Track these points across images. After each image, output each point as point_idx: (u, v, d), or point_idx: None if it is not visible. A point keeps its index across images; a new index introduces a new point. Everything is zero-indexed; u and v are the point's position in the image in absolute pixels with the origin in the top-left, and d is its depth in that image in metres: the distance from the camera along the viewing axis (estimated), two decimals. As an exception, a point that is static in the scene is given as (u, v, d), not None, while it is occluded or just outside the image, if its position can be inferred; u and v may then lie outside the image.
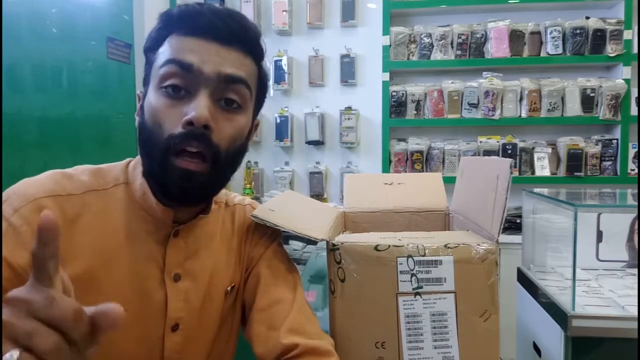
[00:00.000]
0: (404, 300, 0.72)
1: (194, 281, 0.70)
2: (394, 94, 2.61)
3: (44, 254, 0.38)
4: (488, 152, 2.56)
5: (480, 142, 2.59)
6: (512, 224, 2.23)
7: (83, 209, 0.64)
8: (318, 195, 2.76)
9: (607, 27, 2.45)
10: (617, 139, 2.50)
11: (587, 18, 2.48)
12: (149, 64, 0.66)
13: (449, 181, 1.02)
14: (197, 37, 0.62)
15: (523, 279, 1.28)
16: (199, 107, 0.60)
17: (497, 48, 2.53)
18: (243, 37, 0.65)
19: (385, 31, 2.60)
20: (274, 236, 0.80)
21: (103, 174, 0.69)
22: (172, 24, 0.64)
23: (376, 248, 0.72)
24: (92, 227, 0.63)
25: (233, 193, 0.84)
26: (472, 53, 2.57)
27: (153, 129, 0.62)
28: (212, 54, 0.62)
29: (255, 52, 0.67)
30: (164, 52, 0.63)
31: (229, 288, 0.74)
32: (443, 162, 2.62)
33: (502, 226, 0.70)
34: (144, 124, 0.63)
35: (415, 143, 2.63)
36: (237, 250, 0.77)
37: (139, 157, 0.68)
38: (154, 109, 0.62)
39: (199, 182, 0.62)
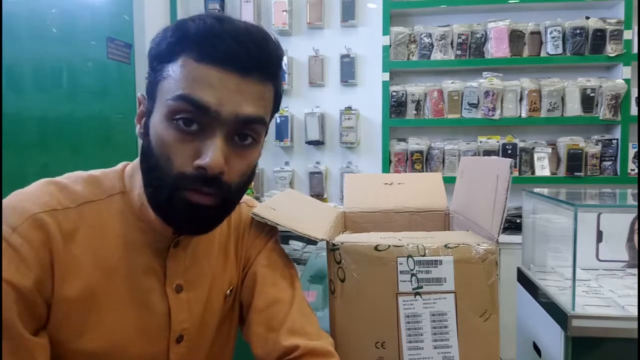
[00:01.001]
0: (404, 300, 0.72)
1: (195, 290, 0.69)
2: (394, 94, 2.61)
3: None
4: (488, 152, 2.56)
5: (480, 142, 2.59)
6: (512, 224, 2.23)
7: (79, 222, 0.61)
8: (318, 195, 2.76)
9: (607, 27, 2.45)
10: (617, 139, 2.50)
11: (587, 18, 2.48)
12: (154, 73, 0.60)
13: (449, 181, 1.01)
14: (214, 66, 0.56)
15: (523, 279, 1.28)
16: (215, 154, 0.56)
17: (497, 48, 2.53)
18: (264, 64, 0.59)
19: (385, 31, 2.60)
20: (270, 234, 0.79)
21: (98, 182, 0.65)
22: (187, 42, 0.57)
23: (376, 248, 0.72)
24: (90, 242, 0.61)
25: None
26: (472, 53, 2.57)
27: (161, 160, 0.57)
28: (231, 90, 0.56)
29: (275, 75, 0.63)
30: (176, 79, 0.56)
31: (228, 291, 0.74)
32: (443, 162, 2.62)
33: (502, 226, 0.70)
34: (150, 148, 0.59)
35: (415, 143, 2.63)
36: (234, 251, 0.76)
37: (135, 162, 0.66)
38: (163, 140, 0.57)
39: (207, 215, 0.60)
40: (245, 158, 0.61)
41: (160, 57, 0.59)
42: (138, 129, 0.63)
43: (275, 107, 0.67)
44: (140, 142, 0.63)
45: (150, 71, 0.61)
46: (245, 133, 0.60)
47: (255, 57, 0.58)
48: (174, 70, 0.57)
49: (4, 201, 0.59)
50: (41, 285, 0.57)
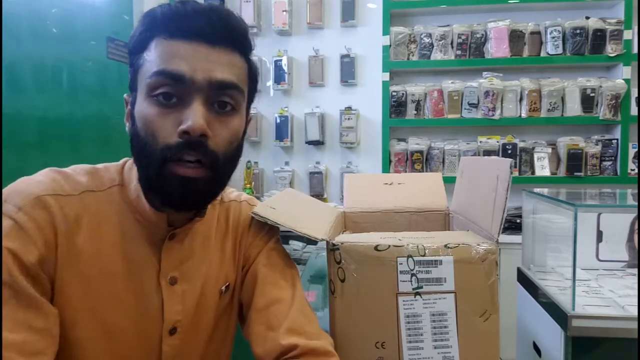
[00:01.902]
0: (404, 300, 0.72)
1: (190, 283, 0.70)
2: (394, 94, 2.61)
3: None
4: (488, 152, 2.56)
5: (480, 142, 2.59)
6: (512, 224, 2.23)
7: (82, 210, 0.63)
8: (318, 195, 2.76)
9: (607, 27, 2.45)
10: (617, 139, 2.50)
11: (587, 18, 2.48)
12: (133, 67, 0.64)
13: (449, 181, 1.01)
14: (184, 40, 0.60)
15: (523, 279, 1.28)
16: (195, 117, 0.58)
17: (497, 48, 2.53)
18: (230, 35, 0.63)
19: (385, 31, 2.60)
20: (271, 233, 0.79)
21: (99, 174, 0.68)
22: (155, 26, 0.61)
23: (376, 248, 0.72)
24: (91, 230, 0.63)
25: (229, 189, 0.82)
26: (472, 53, 2.57)
27: (147, 139, 0.60)
28: (202, 58, 0.60)
29: (243, 48, 0.66)
30: (152, 60, 0.60)
31: (223, 287, 0.74)
32: (443, 162, 2.62)
33: (502, 226, 0.70)
34: (136, 133, 0.62)
35: (415, 143, 2.63)
36: (232, 249, 0.76)
37: None
38: (146, 118, 0.60)
39: (198, 188, 0.61)
40: (228, 125, 0.63)
41: (135, 49, 0.63)
42: (127, 126, 0.65)
43: (252, 84, 0.69)
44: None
45: (130, 67, 0.65)
46: (224, 101, 0.62)
47: (220, 28, 0.62)
48: (148, 55, 0.61)
49: (9, 186, 0.61)
50: (45, 264, 0.58)
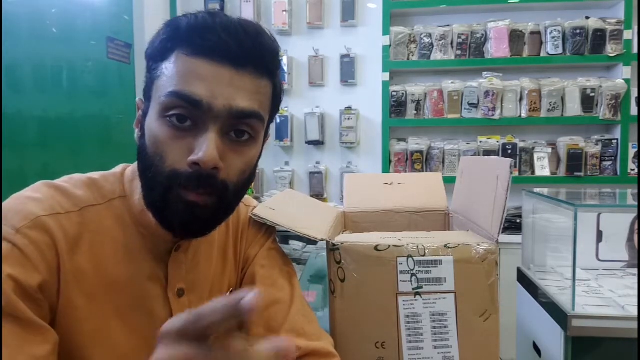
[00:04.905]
0: (404, 300, 0.72)
1: (197, 293, 0.68)
2: (394, 94, 2.61)
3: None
4: (488, 152, 2.56)
5: (480, 142, 2.59)
6: (512, 224, 2.23)
7: (82, 227, 0.59)
8: (318, 195, 2.76)
9: (607, 27, 2.45)
10: (617, 139, 2.50)
11: (587, 18, 2.48)
12: (150, 73, 0.60)
13: (449, 181, 1.01)
14: (207, 59, 0.55)
15: (523, 279, 1.28)
16: (209, 148, 0.54)
17: (497, 48, 2.53)
18: (259, 57, 0.58)
19: (385, 31, 2.60)
20: (268, 233, 0.78)
21: (98, 186, 0.64)
22: (179, 37, 0.57)
23: (376, 248, 0.72)
24: (93, 248, 0.60)
25: None
26: (472, 53, 2.57)
27: (154, 159, 0.56)
28: (224, 83, 0.55)
29: (271, 70, 0.61)
30: (169, 76, 0.56)
31: (227, 294, 0.73)
32: (443, 162, 2.62)
33: (502, 226, 0.70)
34: (144, 148, 0.58)
35: (415, 143, 2.63)
36: (233, 252, 0.75)
37: (135, 165, 0.64)
38: (156, 138, 0.56)
39: (203, 216, 0.58)
40: (243, 155, 0.59)
41: (154, 57, 0.59)
42: (136, 133, 0.62)
43: (275, 106, 0.65)
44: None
45: (147, 72, 0.61)
46: (242, 129, 0.58)
47: (249, 49, 0.57)
48: (167, 68, 0.57)
49: (4, 204, 0.57)
50: (47, 289, 0.55)
